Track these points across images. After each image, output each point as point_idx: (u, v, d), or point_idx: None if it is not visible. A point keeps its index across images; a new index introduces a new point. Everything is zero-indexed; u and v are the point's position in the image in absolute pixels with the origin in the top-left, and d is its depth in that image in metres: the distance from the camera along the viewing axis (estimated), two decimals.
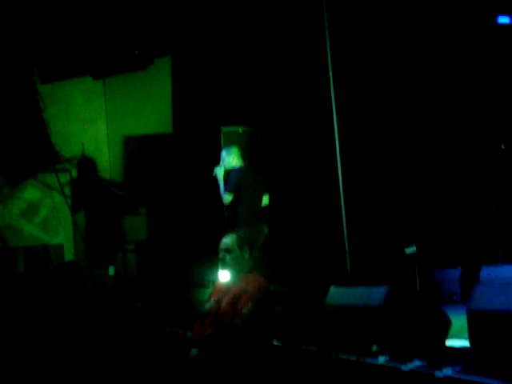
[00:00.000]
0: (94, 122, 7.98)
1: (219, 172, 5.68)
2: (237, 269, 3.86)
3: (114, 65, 7.62)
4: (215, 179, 5.70)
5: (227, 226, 5.74)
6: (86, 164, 6.86)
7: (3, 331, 5.48)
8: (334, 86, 7.22)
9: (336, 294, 4.26)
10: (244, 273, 3.86)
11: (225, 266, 3.85)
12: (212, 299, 3.91)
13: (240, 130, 6.95)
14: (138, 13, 7.14)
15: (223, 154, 5.79)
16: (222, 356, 3.56)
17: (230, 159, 5.72)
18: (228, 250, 3.85)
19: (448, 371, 2.97)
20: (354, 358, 3.55)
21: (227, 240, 3.89)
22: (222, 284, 3.92)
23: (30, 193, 7.54)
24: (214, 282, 4.27)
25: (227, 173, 5.71)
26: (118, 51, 7.49)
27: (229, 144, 6.65)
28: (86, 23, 7.09)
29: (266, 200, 5.79)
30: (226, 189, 5.58)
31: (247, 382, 3.54)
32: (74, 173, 7.40)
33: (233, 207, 5.66)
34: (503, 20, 7.15)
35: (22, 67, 7.00)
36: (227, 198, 5.57)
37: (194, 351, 3.72)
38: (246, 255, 3.88)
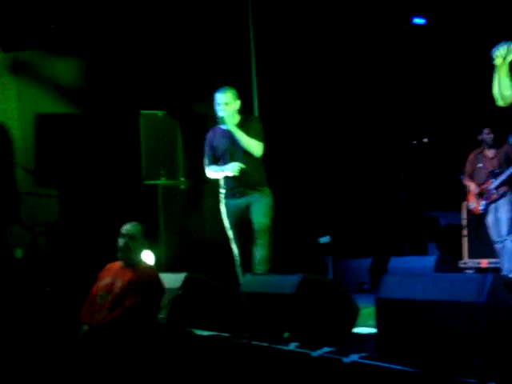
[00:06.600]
0: (4, 97, 7.58)
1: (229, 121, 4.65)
2: (133, 257, 4.02)
3: (27, 38, 7.23)
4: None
5: None
6: None
7: None
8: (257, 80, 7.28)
9: (251, 282, 4.30)
10: (136, 262, 4.03)
11: (125, 252, 3.97)
12: (103, 280, 4.01)
13: (160, 113, 6.82)
14: None
15: (227, 96, 4.68)
16: (118, 339, 3.70)
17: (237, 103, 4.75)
18: (132, 238, 3.99)
19: (354, 357, 3.07)
20: (265, 344, 3.60)
21: (132, 227, 4.03)
22: (115, 266, 4.04)
23: None
24: None
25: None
26: (33, 24, 7.12)
27: (149, 126, 6.52)
28: None
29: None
30: (260, 139, 4.76)
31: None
32: None
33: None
34: (418, 21, 7.44)
35: None
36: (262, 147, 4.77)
37: (84, 328, 3.85)
38: (144, 245, 4.07)
